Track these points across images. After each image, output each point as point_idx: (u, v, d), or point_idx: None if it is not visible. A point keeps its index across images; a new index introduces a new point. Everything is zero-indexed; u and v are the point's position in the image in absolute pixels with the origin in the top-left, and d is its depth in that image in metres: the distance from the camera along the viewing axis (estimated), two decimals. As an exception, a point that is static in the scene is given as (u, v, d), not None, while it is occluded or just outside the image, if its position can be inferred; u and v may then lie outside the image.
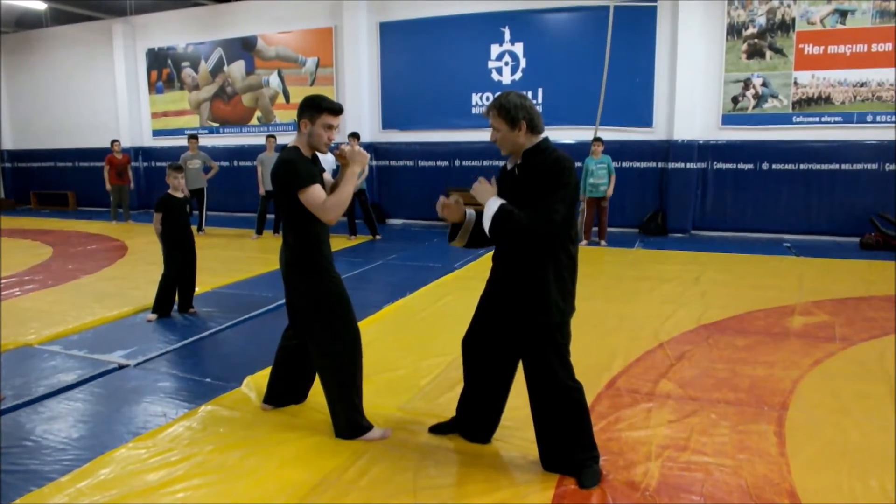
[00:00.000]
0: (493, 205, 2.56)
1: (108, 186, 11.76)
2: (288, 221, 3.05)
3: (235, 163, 12.81)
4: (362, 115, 11.35)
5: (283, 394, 3.41)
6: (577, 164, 9.39)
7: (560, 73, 10.32)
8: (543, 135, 2.71)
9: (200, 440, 3.07)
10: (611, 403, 3.48)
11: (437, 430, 3.12)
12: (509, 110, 2.58)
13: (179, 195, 5.44)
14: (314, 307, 3.04)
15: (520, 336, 2.70)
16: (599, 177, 8.72)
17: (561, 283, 2.59)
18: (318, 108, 2.96)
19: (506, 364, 2.86)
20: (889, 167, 8.89)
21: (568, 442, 2.68)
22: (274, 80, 12.50)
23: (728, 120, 9.60)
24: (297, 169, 2.91)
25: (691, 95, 9.60)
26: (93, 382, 3.91)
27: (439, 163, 11.06)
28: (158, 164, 13.90)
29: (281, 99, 12.53)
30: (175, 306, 5.47)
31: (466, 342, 2.94)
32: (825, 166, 9.21)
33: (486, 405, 2.96)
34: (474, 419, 3.00)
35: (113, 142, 11.88)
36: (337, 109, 3.00)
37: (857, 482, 2.67)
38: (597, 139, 8.84)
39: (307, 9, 11.91)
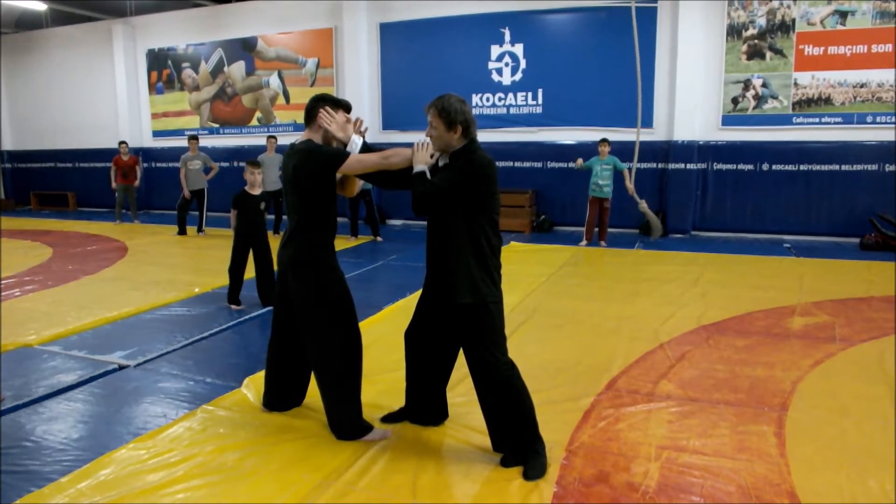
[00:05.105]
0: (419, 167, 2.83)
1: (113, 185, 11.75)
2: (301, 218, 3.04)
3: (235, 163, 12.81)
4: (363, 115, 11.25)
5: (280, 400, 3.40)
6: (572, 164, 9.43)
7: (560, 74, 10.33)
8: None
9: (200, 441, 3.07)
10: (611, 404, 3.48)
11: (389, 419, 3.26)
12: (449, 113, 2.75)
13: (257, 192, 5.54)
14: (316, 303, 3.03)
15: (451, 319, 2.85)
16: (604, 177, 8.71)
17: (484, 268, 2.77)
18: (336, 104, 3.10)
19: (445, 350, 3.06)
20: (889, 168, 8.90)
21: (509, 421, 2.81)
22: (274, 80, 12.51)
23: (728, 121, 9.60)
24: (329, 149, 3.02)
25: (691, 96, 9.60)
26: (93, 383, 3.91)
27: (439, 163, 11.06)
28: (158, 164, 13.92)
29: (281, 100, 12.54)
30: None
31: (409, 334, 3.12)
32: (825, 167, 9.21)
33: (432, 391, 3.16)
34: (422, 406, 3.20)
35: (121, 143, 11.86)
36: (350, 108, 3.17)
37: (857, 483, 2.67)
38: (603, 140, 8.82)
39: (307, 10, 11.92)
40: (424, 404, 3.19)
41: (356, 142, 3.04)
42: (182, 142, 12.22)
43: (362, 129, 3.17)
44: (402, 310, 5.49)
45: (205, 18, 13.03)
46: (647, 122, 9.97)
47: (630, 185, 8.08)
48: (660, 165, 9.98)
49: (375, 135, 11.43)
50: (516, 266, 7.24)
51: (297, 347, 3.25)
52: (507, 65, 10.66)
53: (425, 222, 2.96)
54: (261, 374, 3.67)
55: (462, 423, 3.20)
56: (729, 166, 9.66)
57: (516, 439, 2.80)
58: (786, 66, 9.23)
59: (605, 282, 6.68)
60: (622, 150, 9.84)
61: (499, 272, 2.86)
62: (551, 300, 5.79)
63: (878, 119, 8.93)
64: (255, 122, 12.89)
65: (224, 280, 6.61)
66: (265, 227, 5.72)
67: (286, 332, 3.28)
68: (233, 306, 5.67)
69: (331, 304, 3.04)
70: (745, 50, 9.39)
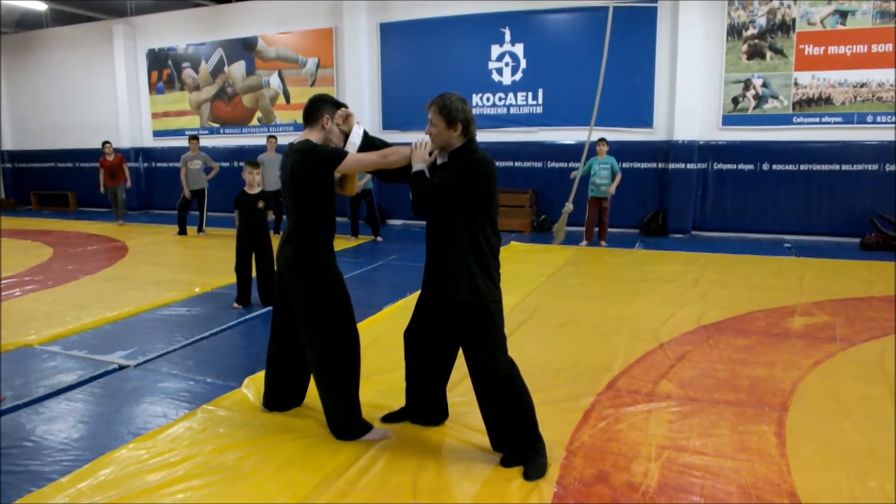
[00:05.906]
0: (418, 166, 2.84)
1: (101, 189, 11.66)
2: (300, 218, 3.04)
3: (236, 163, 12.80)
4: (363, 115, 11.34)
5: (280, 399, 3.40)
6: (573, 164, 9.43)
7: (560, 74, 10.33)
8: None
9: (200, 441, 3.07)
10: (611, 404, 3.48)
11: (389, 419, 3.26)
12: (450, 110, 2.75)
13: (254, 191, 5.60)
14: (315, 303, 3.03)
15: (450, 318, 2.85)
16: (602, 177, 8.71)
17: (484, 268, 2.77)
18: (336, 105, 3.14)
19: (444, 350, 3.06)
20: (889, 168, 8.89)
21: (509, 421, 2.81)
22: (274, 80, 12.51)
23: (728, 120, 9.60)
24: (326, 149, 3.03)
25: (691, 96, 9.60)
26: (93, 383, 3.91)
27: (439, 163, 11.06)
28: (158, 164, 13.93)
29: (281, 100, 12.54)
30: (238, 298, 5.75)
31: (408, 334, 3.11)
32: (825, 167, 9.21)
33: (432, 391, 3.16)
34: (422, 406, 3.19)
35: (104, 143, 11.53)
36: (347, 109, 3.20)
37: (857, 483, 2.67)
38: (601, 140, 8.84)
39: (307, 9, 11.93)
40: (424, 404, 3.19)
41: (357, 132, 3.06)
42: (182, 142, 12.22)
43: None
44: (402, 310, 5.48)
45: (205, 18, 13.04)
46: (648, 122, 9.98)
47: (612, 187, 8.63)
48: (660, 165, 9.98)
49: (376, 135, 11.33)
50: (516, 266, 7.24)
51: (296, 347, 3.25)
52: (507, 65, 10.66)
53: (425, 222, 2.96)
54: (261, 374, 3.67)
55: (462, 423, 3.20)
56: (729, 166, 9.66)
57: (516, 439, 2.80)
58: (786, 65, 9.23)
59: (606, 282, 6.68)
60: (623, 151, 9.86)
61: (498, 271, 2.85)
62: (551, 300, 5.79)
63: (878, 119, 8.93)
64: (255, 121, 12.89)
65: (224, 280, 6.63)
66: (266, 227, 5.72)
67: (286, 331, 3.27)
68: (236, 305, 5.67)
69: (329, 304, 3.04)
70: (745, 50, 9.39)
